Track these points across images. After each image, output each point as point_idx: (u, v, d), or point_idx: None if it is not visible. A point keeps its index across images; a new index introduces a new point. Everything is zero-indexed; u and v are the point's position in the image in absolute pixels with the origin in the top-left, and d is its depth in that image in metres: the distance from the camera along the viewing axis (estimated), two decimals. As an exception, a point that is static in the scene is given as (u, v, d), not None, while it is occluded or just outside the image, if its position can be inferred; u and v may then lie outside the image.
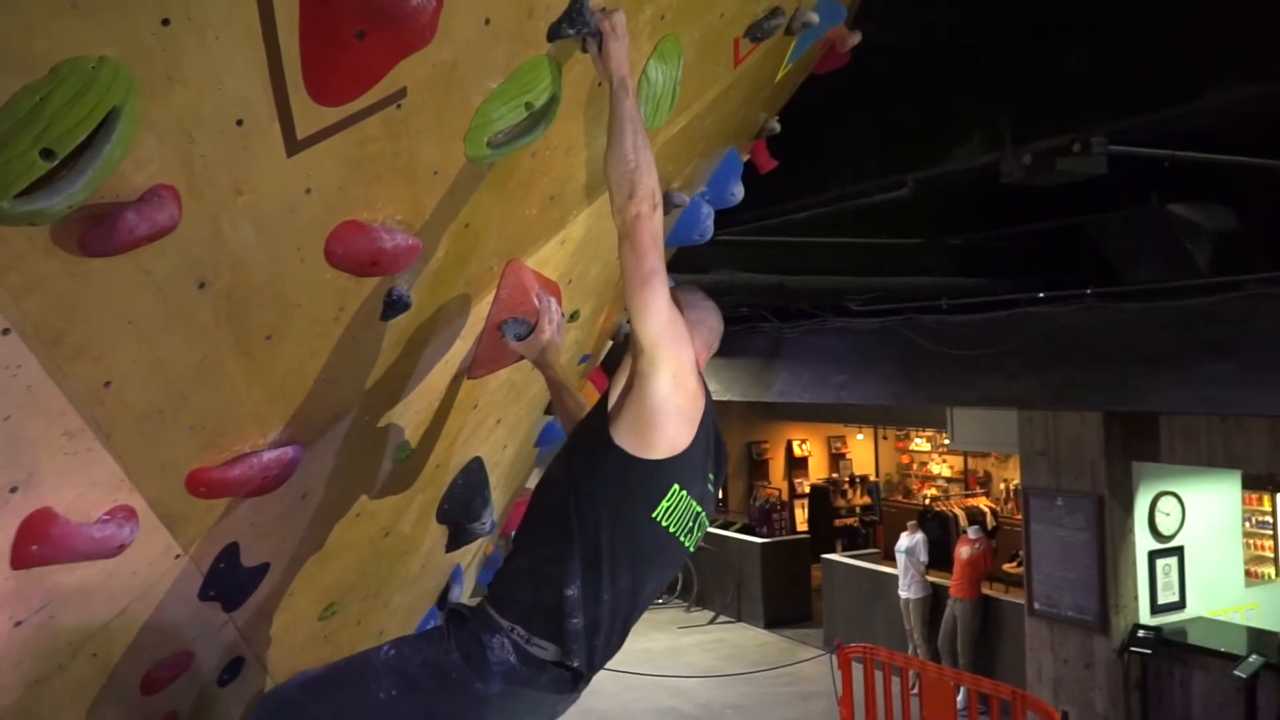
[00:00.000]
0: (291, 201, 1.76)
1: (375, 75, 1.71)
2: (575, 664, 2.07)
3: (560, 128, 2.21)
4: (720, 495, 19.29)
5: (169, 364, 1.77)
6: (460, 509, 3.01)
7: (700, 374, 2.18)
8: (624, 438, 2.06)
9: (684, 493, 2.12)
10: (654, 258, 1.99)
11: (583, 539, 2.05)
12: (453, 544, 3.16)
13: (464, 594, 3.84)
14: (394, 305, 2.12)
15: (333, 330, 2.05)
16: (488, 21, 1.85)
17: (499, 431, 3.14)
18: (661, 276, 2.00)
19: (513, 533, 2.39)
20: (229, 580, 2.22)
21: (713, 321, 2.36)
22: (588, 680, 2.16)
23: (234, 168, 1.63)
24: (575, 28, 2.01)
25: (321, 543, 2.54)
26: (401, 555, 2.98)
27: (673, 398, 2.05)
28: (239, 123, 1.59)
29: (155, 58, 1.45)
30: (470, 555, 3.70)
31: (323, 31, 1.59)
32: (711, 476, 2.23)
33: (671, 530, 2.12)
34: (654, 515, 2.08)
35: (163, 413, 1.82)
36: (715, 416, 2.21)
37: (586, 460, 2.11)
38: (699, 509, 2.17)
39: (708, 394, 2.18)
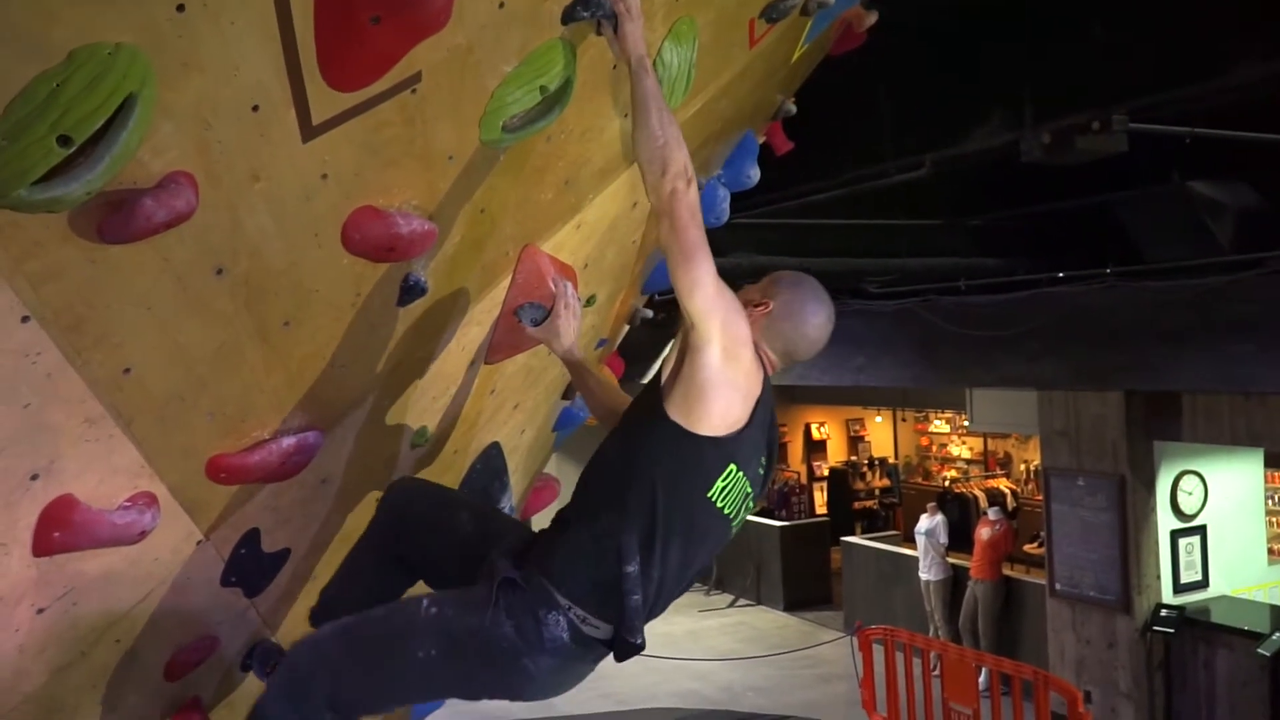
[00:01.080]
0: (308, 187, 1.76)
1: (390, 60, 1.71)
2: (638, 640, 2.08)
3: (575, 111, 2.20)
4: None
5: (188, 350, 1.78)
6: (479, 493, 3.02)
7: (761, 355, 2.13)
8: (678, 412, 2.03)
9: (740, 474, 2.09)
10: (694, 232, 1.97)
11: (639, 515, 2.02)
12: (472, 528, 3.16)
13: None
14: (411, 291, 2.12)
15: (350, 316, 2.06)
16: (502, 5, 1.84)
17: (517, 416, 3.14)
18: (703, 252, 1.98)
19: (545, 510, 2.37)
20: (250, 566, 2.23)
21: (801, 322, 2.21)
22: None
23: (250, 154, 1.64)
24: (589, 10, 1.99)
25: (341, 527, 2.55)
26: (421, 540, 2.99)
27: (725, 370, 2.01)
28: (255, 109, 1.59)
29: (171, 44, 1.45)
30: (490, 540, 3.71)
31: (337, 16, 1.59)
32: (764, 461, 2.19)
33: (725, 511, 2.11)
34: (709, 495, 2.06)
35: (183, 399, 1.83)
36: (772, 400, 2.17)
37: (642, 435, 2.07)
38: (750, 491, 2.14)
39: (767, 378, 2.14)
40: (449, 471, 2.89)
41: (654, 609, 2.12)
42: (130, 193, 1.49)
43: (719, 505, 2.08)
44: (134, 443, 1.79)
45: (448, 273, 2.23)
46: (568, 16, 1.98)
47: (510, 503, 3.17)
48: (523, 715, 10.62)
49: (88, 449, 1.73)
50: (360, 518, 2.61)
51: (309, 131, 1.67)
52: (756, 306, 2.18)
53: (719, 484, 2.06)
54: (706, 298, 1.98)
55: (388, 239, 1.93)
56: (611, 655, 2.15)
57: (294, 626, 2.62)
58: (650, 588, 2.06)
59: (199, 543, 2.08)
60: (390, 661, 2.07)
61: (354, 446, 2.37)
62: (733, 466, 2.07)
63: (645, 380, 2.22)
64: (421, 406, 2.54)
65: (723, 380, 2.01)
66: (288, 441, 2.05)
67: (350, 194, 1.84)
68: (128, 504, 1.84)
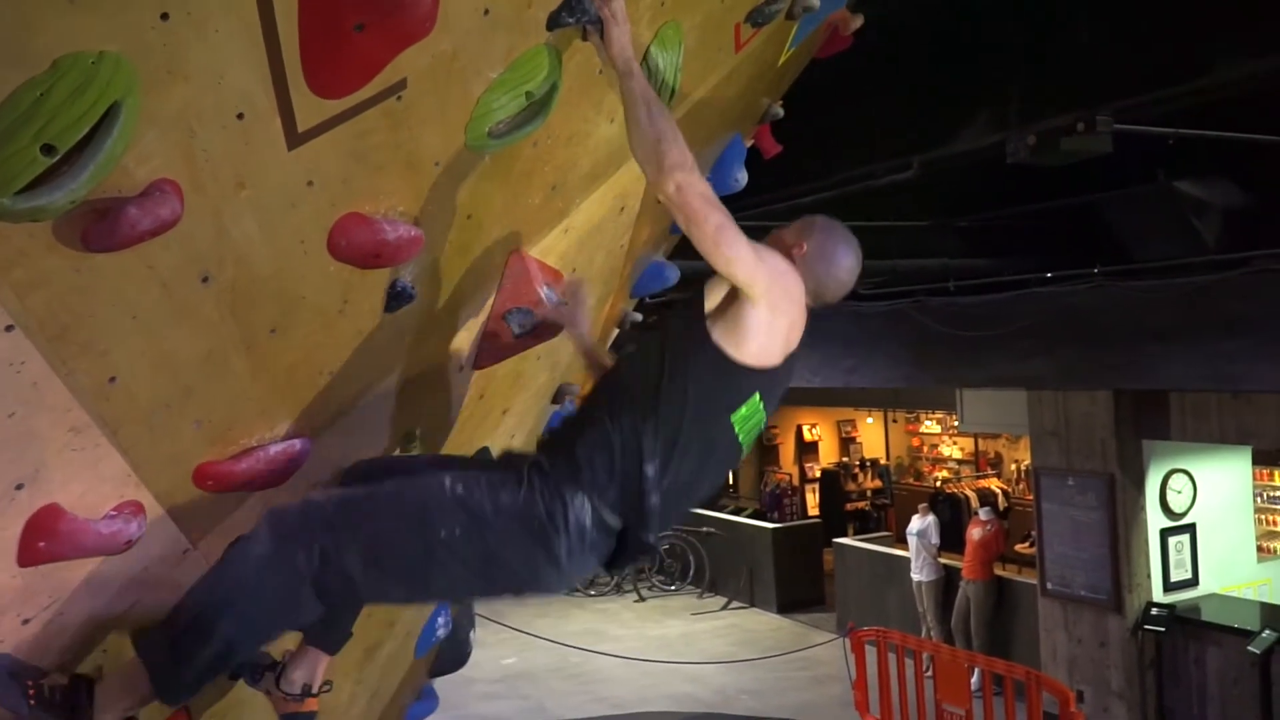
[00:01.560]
0: (294, 194, 1.76)
1: (375, 67, 1.71)
2: (651, 539, 2.12)
3: (561, 117, 2.21)
4: (732, 482, 19.35)
5: (174, 358, 1.78)
6: (469, 499, 3.01)
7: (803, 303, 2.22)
8: (720, 337, 2.12)
9: (761, 403, 2.21)
10: (714, 216, 2.01)
11: (668, 421, 2.08)
12: (463, 534, 3.16)
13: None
14: (398, 297, 2.12)
15: (337, 323, 2.06)
16: (487, 12, 1.85)
17: (506, 421, 3.14)
18: (729, 229, 2.02)
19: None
20: (240, 574, 2.22)
21: (835, 261, 2.30)
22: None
23: (236, 161, 1.64)
24: (575, 16, 2.00)
25: (331, 534, 2.54)
26: (411, 546, 2.98)
27: (772, 324, 2.13)
28: (240, 116, 1.59)
29: (155, 52, 1.45)
30: (481, 545, 3.71)
31: (322, 24, 1.59)
32: (782, 395, 2.33)
33: (740, 437, 2.21)
34: (731, 417, 2.17)
35: (169, 407, 1.83)
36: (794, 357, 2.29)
37: (683, 350, 2.13)
38: (763, 423, 2.27)
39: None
40: (438, 477, 2.88)
41: (664, 519, 2.14)
42: (115, 201, 1.49)
43: (736, 429, 2.18)
44: (120, 451, 1.79)
45: (435, 279, 2.24)
46: (553, 22, 1.99)
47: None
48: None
49: (73, 458, 1.72)
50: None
51: (294, 139, 1.68)
52: (791, 249, 2.26)
53: (743, 410, 2.17)
54: (746, 270, 2.06)
55: (374, 245, 1.93)
56: (608, 566, 2.21)
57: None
58: (660, 494, 2.10)
59: (186, 551, 2.07)
60: (404, 538, 2.01)
61: (343, 453, 2.37)
62: (757, 396, 2.19)
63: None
64: (410, 412, 2.54)
65: (764, 329, 2.13)
66: (275, 449, 2.05)
67: (336, 201, 1.84)
68: (114, 513, 1.83)
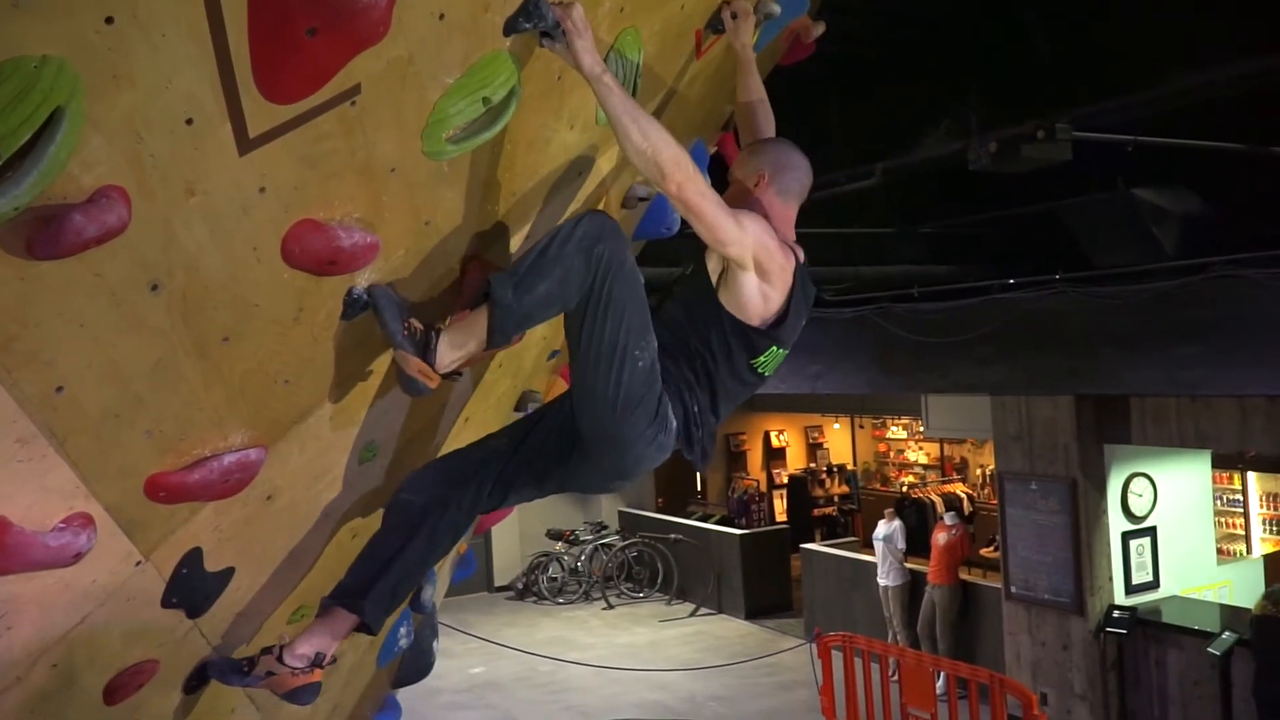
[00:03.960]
0: (245, 201, 1.73)
1: (328, 72, 1.69)
2: (692, 456, 2.49)
3: (520, 122, 2.20)
4: (700, 489, 19.35)
5: (123, 367, 1.74)
6: (431, 508, 2.98)
7: (789, 242, 2.53)
8: (729, 306, 2.45)
9: (778, 350, 2.55)
10: (709, 207, 2.28)
11: (705, 372, 2.47)
12: (424, 543, 3.13)
13: (437, 594, 3.82)
14: (355, 304, 2.10)
15: (293, 331, 2.03)
16: (442, 16, 1.83)
17: (467, 430, 3.12)
18: (721, 214, 2.30)
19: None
20: (192, 586, 2.19)
21: (800, 173, 2.64)
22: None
23: (185, 167, 1.61)
24: (531, 21, 1.99)
25: (289, 545, 2.51)
26: (371, 556, 2.95)
27: (762, 284, 2.43)
28: (189, 121, 1.57)
29: (100, 56, 1.42)
30: (443, 554, 3.68)
31: (272, 28, 1.57)
32: (803, 325, 2.63)
33: (762, 372, 2.58)
34: (752, 362, 2.52)
35: (119, 417, 1.79)
36: (806, 280, 2.58)
37: (704, 313, 2.48)
38: (784, 354, 2.60)
39: (798, 266, 2.53)
40: (399, 486, 2.85)
41: (706, 451, 2.53)
42: (60, 208, 1.46)
43: (760, 370, 2.56)
44: (68, 463, 1.75)
45: (393, 286, 2.21)
46: (510, 28, 1.98)
47: (462, 516, 3.14)
48: (483, 730, 10.54)
49: (19, 469, 1.69)
50: (311, 534, 2.58)
51: (245, 144, 1.65)
52: (755, 185, 2.57)
53: (762, 358, 2.53)
54: (737, 245, 2.35)
55: (329, 252, 1.91)
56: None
57: (241, 646, 2.58)
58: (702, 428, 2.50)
59: (138, 563, 2.04)
60: (635, 309, 2.30)
61: (300, 462, 2.34)
62: (775, 347, 2.53)
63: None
64: (369, 421, 2.51)
65: (760, 292, 2.44)
66: (229, 459, 2.02)
67: (290, 207, 1.82)
68: (62, 525, 1.79)
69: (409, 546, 2.38)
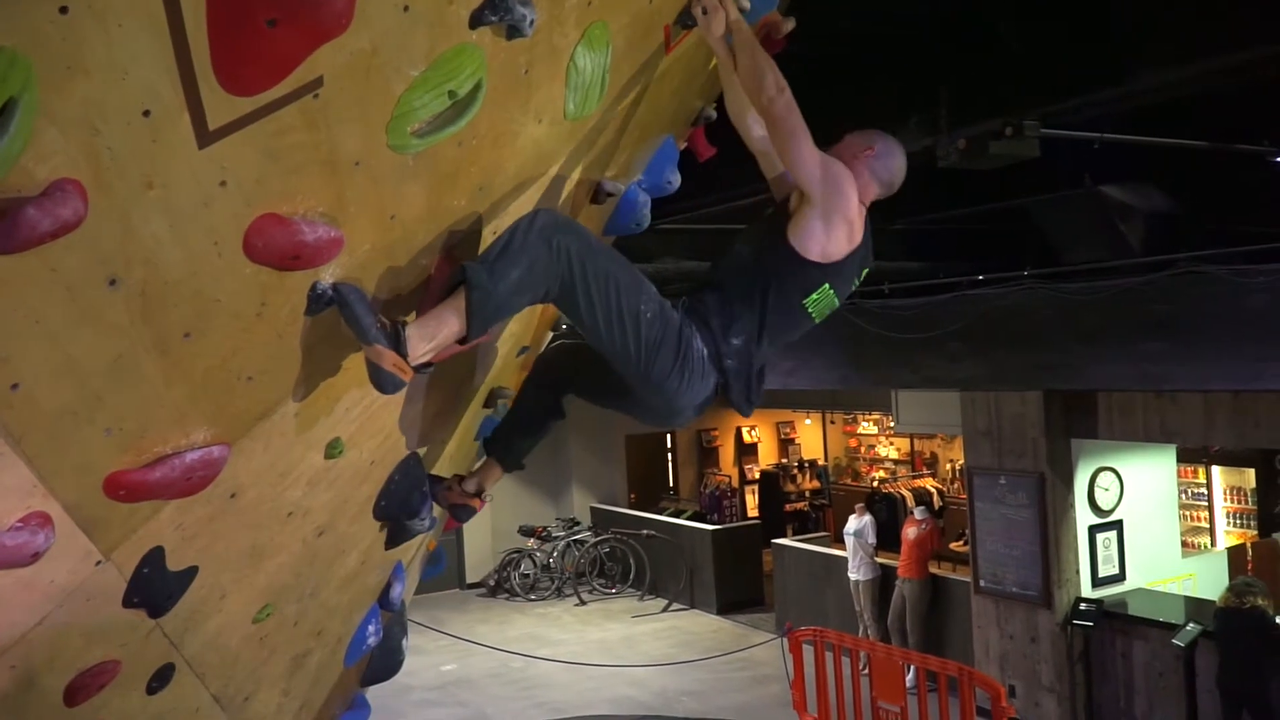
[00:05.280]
0: (206, 194, 1.70)
1: (289, 64, 1.66)
2: (733, 396, 2.68)
3: (487, 116, 2.17)
4: (673, 484, 19.37)
5: (81, 364, 1.71)
6: (398, 505, 2.97)
7: (864, 208, 2.75)
8: (794, 239, 2.64)
9: (831, 290, 2.74)
10: (795, 125, 2.56)
11: (758, 306, 2.65)
12: (392, 541, 3.12)
13: (407, 592, 3.79)
14: (319, 300, 2.07)
15: (256, 327, 2.00)
16: (406, 8, 1.81)
17: (436, 424, 3.09)
18: (805, 139, 2.56)
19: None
20: (154, 586, 2.16)
21: (896, 168, 2.87)
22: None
23: (143, 160, 1.58)
24: (498, 15, 1.97)
25: (253, 544, 2.49)
26: (338, 554, 2.93)
27: (828, 226, 2.63)
28: (146, 113, 1.54)
29: (54, 47, 1.39)
30: (412, 551, 3.66)
31: (231, 19, 1.55)
32: (862, 274, 2.87)
33: (812, 314, 2.76)
34: (804, 302, 2.71)
35: (77, 414, 1.76)
36: (870, 235, 2.80)
37: (767, 250, 2.69)
38: (837, 303, 2.81)
39: (867, 221, 2.76)
40: (366, 483, 2.83)
41: (750, 386, 2.71)
42: (13, 201, 1.43)
43: (810, 311, 2.74)
44: (25, 461, 1.72)
45: (359, 281, 2.19)
46: (475, 20, 1.96)
47: (431, 514, 3.12)
48: (454, 727, 10.50)
49: (-26, 468, 1.66)
50: (273, 534, 2.55)
51: (205, 137, 1.62)
52: (864, 150, 2.81)
53: (814, 296, 2.71)
54: (807, 170, 2.58)
55: (292, 247, 1.88)
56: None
57: (204, 646, 2.55)
58: (744, 361, 2.68)
59: (98, 563, 2.00)
60: (624, 280, 2.48)
61: (264, 460, 2.31)
62: (826, 285, 2.71)
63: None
64: (335, 417, 2.48)
65: (823, 231, 2.64)
66: (191, 456, 1.99)
67: (251, 201, 1.79)
68: (19, 525, 1.76)
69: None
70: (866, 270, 2.89)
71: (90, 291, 1.64)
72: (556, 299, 2.46)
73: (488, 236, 2.60)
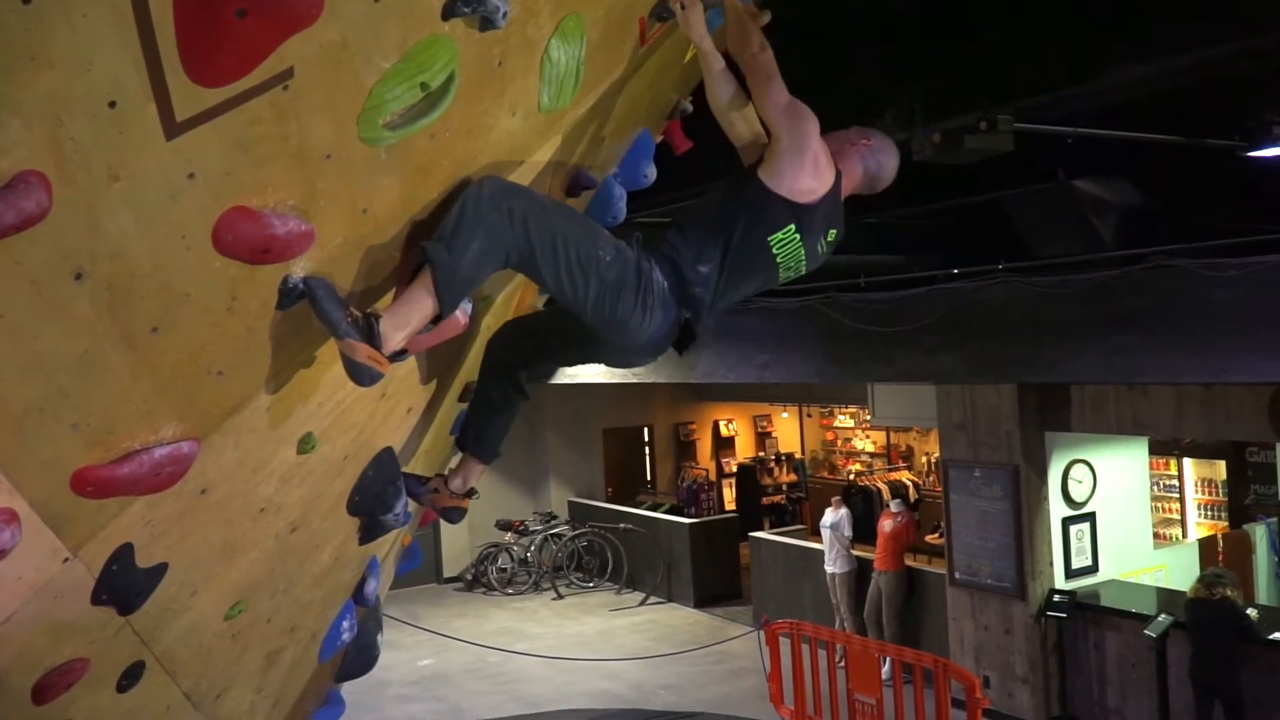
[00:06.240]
0: (173, 187, 1.68)
1: (259, 55, 1.65)
2: (698, 326, 2.73)
3: (460, 109, 2.16)
4: (650, 478, 19.38)
5: (47, 359, 1.69)
6: (372, 500, 2.95)
7: (832, 164, 2.81)
8: (763, 174, 2.73)
9: (798, 236, 2.78)
10: (771, 68, 2.75)
11: (720, 234, 2.71)
12: (366, 536, 3.10)
13: (381, 587, 3.77)
14: (290, 294, 2.05)
15: (226, 321, 1.98)
16: (378, -1, 1.79)
17: (410, 420, 3.08)
18: (779, 79, 2.73)
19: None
20: (123, 583, 2.13)
21: (887, 165, 2.99)
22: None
23: (108, 152, 1.56)
24: (470, 6, 1.96)
25: (224, 540, 2.46)
26: (311, 550, 2.91)
27: (796, 163, 2.71)
28: (112, 105, 1.52)
29: (17, 37, 1.38)
30: (386, 547, 3.64)
31: (199, 9, 1.53)
32: (825, 241, 2.91)
33: (777, 259, 2.79)
34: (769, 239, 2.75)
35: (43, 410, 1.74)
36: (839, 198, 2.89)
37: (740, 187, 2.77)
38: (804, 258, 2.85)
39: (838, 176, 2.83)
40: (339, 478, 2.81)
41: (706, 310, 2.75)
42: (-24, 193, 1.41)
43: (775, 251, 2.77)
44: (-10, 457, 1.70)
45: (331, 274, 2.17)
46: (448, 12, 1.94)
47: (405, 509, 3.11)
48: (431, 722, 10.46)
49: (-63, 465, 1.63)
50: (245, 530, 2.53)
51: (172, 129, 1.60)
52: (861, 139, 2.94)
53: (779, 235, 2.76)
54: (778, 104, 2.72)
55: (262, 240, 1.86)
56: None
57: (175, 643, 2.52)
58: (710, 290, 2.72)
59: (66, 560, 1.98)
60: (579, 233, 2.53)
61: (235, 455, 2.29)
62: (792, 227, 2.76)
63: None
64: (308, 412, 2.47)
65: (790, 164, 2.71)
66: (160, 452, 1.97)
67: (220, 194, 1.77)
68: (-16, 521, 1.74)
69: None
70: (835, 233, 2.95)
71: (56, 285, 1.62)
72: (517, 264, 2.49)
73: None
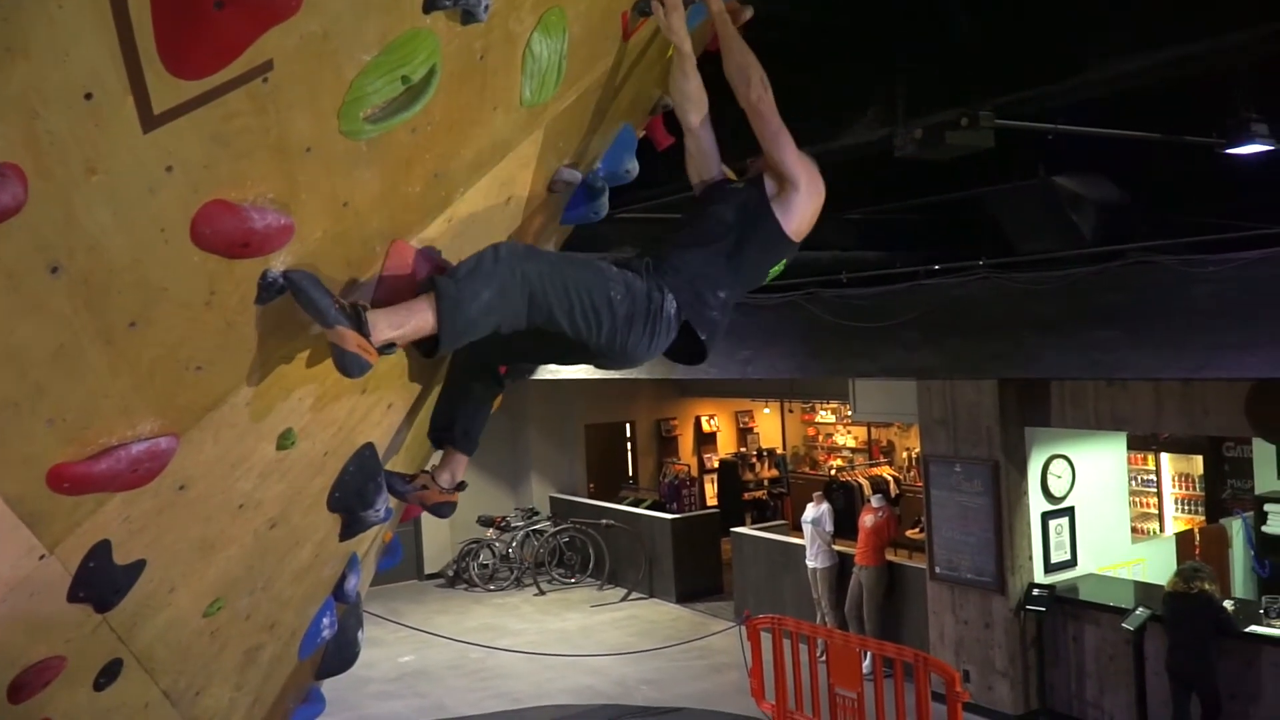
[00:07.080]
0: (151, 180, 1.67)
1: (237, 47, 1.63)
2: (704, 339, 2.85)
3: (441, 102, 2.15)
4: (632, 474, 19.39)
5: (22, 354, 1.67)
6: (353, 496, 2.93)
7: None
8: (779, 214, 2.96)
9: (780, 266, 3.10)
10: (776, 120, 2.94)
11: (739, 263, 2.90)
12: (346, 533, 3.08)
13: (362, 583, 3.75)
14: (270, 288, 2.03)
15: (205, 316, 1.96)
16: (359, -9, 1.78)
17: (391, 416, 3.06)
18: (786, 132, 2.95)
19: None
20: (100, 580, 2.11)
21: (820, 185, 3.13)
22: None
23: (85, 144, 1.54)
24: (452, -1, 1.95)
25: (203, 537, 2.44)
26: (291, 547, 2.88)
27: (805, 207, 2.99)
28: (88, 97, 1.50)
29: (-8, 27, 1.35)
30: (367, 543, 3.62)
31: (177, 0, 1.51)
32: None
33: (766, 275, 3.08)
34: (770, 269, 3.06)
35: (18, 405, 1.72)
36: None
37: (756, 217, 2.96)
38: (781, 269, 3.14)
39: None
40: (320, 474, 2.79)
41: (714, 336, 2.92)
42: (-51, 186, 1.39)
43: (767, 279, 3.10)
44: (-36, 454, 1.68)
45: (311, 269, 2.15)
46: (429, 5, 1.93)
47: (387, 505, 3.09)
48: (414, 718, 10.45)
49: (-90, 461, 1.61)
50: (224, 526, 2.51)
51: (150, 121, 1.58)
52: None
53: (776, 268, 3.08)
54: (792, 159, 2.95)
55: (241, 234, 1.85)
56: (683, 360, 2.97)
57: (153, 641, 2.50)
58: (725, 312, 2.91)
59: (41, 557, 1.96)
60: (589, 287, 2.60)
61: (214, 451, 2.27)
62: (784, 260, 3.07)
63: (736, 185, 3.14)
64: (288, 407, 2.45)
65: (801, 210, 2.98)
66: (138, 448, 1.95)
67: (199, 187, 1.75)
68: (-42, 519, 1.71)
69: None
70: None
71: (31, 279, 1.60)
72: (527, 320, 2.52)
73: (440, 225, 2.58)
